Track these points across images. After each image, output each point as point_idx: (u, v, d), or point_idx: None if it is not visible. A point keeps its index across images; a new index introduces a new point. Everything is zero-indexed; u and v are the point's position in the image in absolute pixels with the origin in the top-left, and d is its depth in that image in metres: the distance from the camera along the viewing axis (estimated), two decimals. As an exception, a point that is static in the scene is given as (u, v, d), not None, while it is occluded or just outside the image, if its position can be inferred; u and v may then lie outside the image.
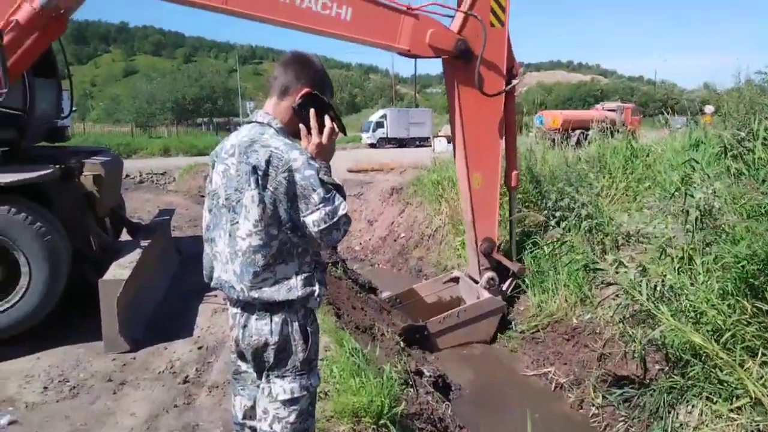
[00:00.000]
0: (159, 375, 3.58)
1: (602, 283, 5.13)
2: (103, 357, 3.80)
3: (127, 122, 45.23)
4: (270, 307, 1.80)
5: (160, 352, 3.90)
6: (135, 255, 4.44)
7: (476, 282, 6.06)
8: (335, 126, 1.83)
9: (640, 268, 4.14)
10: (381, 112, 37.34)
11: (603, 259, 4.63)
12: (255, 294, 1.77)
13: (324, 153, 1.81)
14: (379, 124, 35.04)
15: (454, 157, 5.97)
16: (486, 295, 5.92)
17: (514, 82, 5.55)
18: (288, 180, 1.71)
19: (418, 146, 31.30)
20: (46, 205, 4.07)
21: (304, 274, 1.81)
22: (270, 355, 1.81)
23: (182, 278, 5.48)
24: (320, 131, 1.81)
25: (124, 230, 5.70)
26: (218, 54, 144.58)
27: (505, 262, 6.00)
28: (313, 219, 1.71)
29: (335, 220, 1.72)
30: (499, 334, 6.01)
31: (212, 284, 1.92)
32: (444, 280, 6.72)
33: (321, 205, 1.70)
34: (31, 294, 3.87)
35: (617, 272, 4.08)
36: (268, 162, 1.71)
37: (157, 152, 24.85)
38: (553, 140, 10.08)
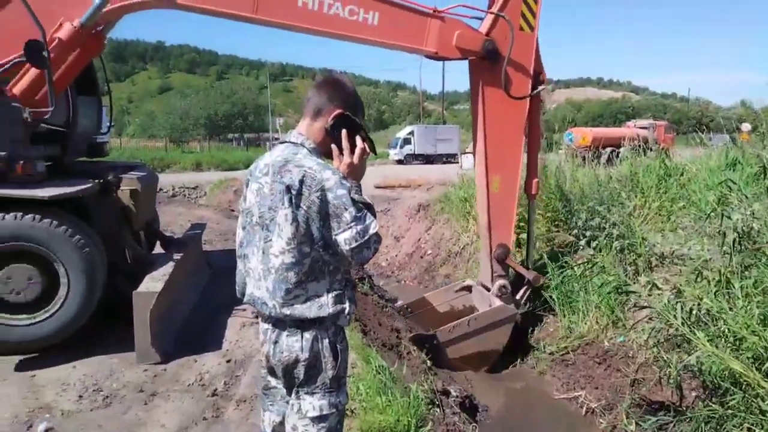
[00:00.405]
0: (188, 387, 3.64)
1: (635, 305, 4.99)
2: (135, 368, 3.88)
3: (161, 137, 46.67)
4: (301, 324, 1.83)
5: (189, 365, 3.97)
6: (168, 268, 4.55)
7: (488, 290, 5.86)
8: (366, 146, 1.86)
9: (675, 291, 4.02)
10: (408, 129, 37.53)
11: (636, 280, 4.52)
12: (287, 311, 1.80)
13: (355, 173, 1.84)
14: (407, 141, 35.21)
15: (474, 162, 5.85)
16: (497, 303, 5.72)
17: (541, 87, 5.48)
18: (321, 199, 1.74)
19: (445, 163, 31.33)
20: (85, 219, 4.21)
21: (335, 292, 1.83)
22: (300, 372, 1.83)
23: (212, 291, 5.58)
24: (352, 151, 1.84)
25: (158, 243, 5.85)
26: (249, 71, 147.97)
27: (520, 269, 5.82)
28: (344, 237, 1.74)
29: (366, 238, 1.75)
30: (528, 354, 5.88)
31: (245, 300, 1.96)
32: (456, 289, 6.52)
33: (353, 224, 1.73)
34: (68, 304, 3.98)
35: (650, 295, 3.97)
36: (301, 181, 1.75)
37: (189, 167, 25.54)
38: (584, 158, 9.92)
